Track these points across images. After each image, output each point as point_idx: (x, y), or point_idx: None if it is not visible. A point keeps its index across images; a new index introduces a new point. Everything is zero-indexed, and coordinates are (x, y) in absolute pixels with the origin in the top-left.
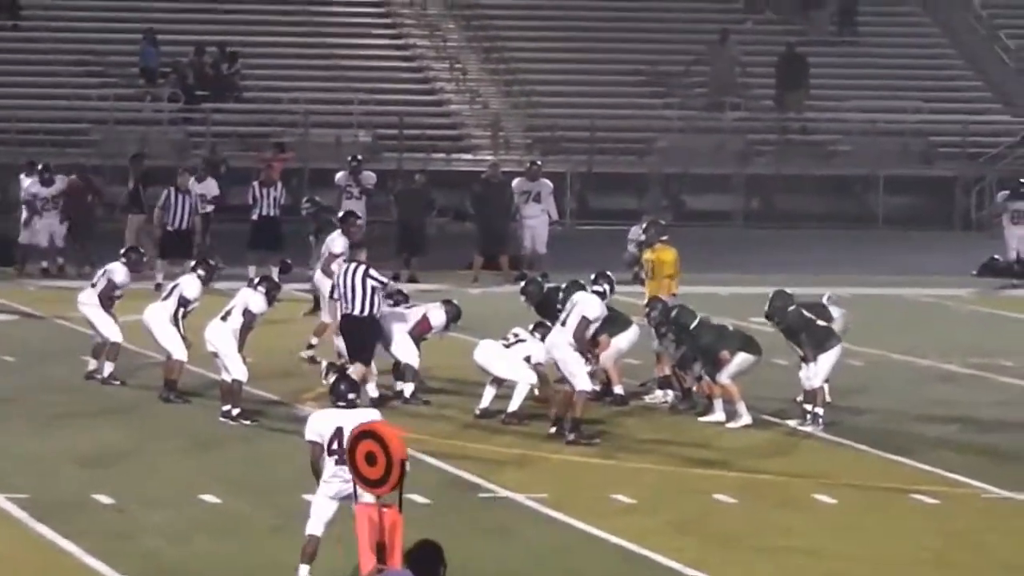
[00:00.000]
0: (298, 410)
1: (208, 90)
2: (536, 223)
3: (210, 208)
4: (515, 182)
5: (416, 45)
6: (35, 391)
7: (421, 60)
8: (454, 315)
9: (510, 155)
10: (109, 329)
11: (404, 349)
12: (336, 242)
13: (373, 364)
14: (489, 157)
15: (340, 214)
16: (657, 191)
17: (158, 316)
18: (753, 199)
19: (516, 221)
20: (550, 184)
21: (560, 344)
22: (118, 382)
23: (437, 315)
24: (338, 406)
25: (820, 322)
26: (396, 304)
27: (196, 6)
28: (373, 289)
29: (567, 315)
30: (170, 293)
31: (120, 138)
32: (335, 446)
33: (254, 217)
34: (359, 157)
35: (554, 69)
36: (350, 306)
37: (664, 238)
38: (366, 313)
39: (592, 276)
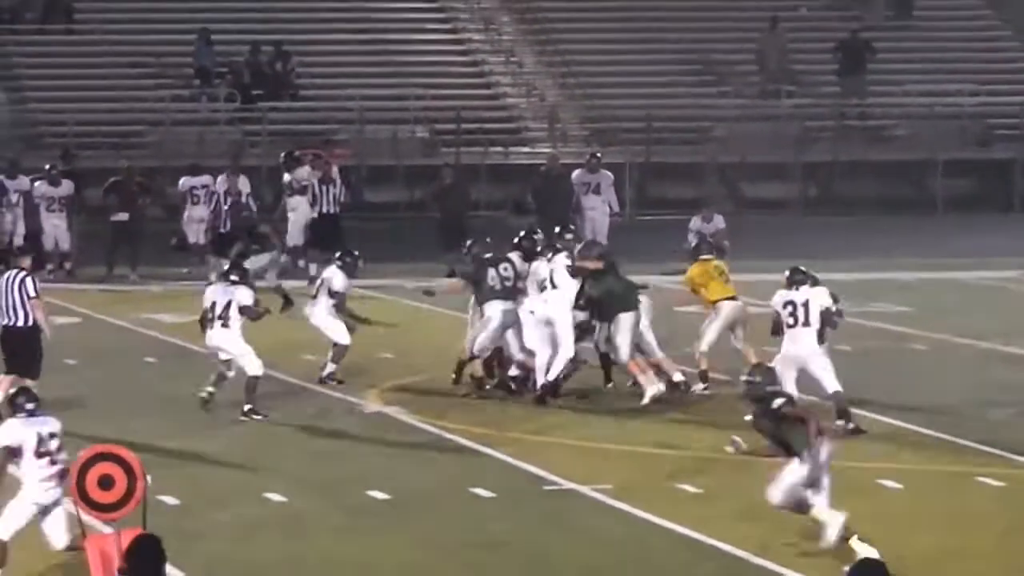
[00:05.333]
0: (363, 406)
1: (264, 89)
2: (596, 215)
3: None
4: (575, 174)
5: (471, 39)
6: (98, 393)
7: (476, 54)
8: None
9: (568, 147)
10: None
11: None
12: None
13: None
14: (547, 150)
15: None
16: (715, 180)
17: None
18: (811, 186)
19: (576, 213)
20: (611, 175)
21: (557, 308)
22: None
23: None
24: None
25: None
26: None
27: (250, 5)
28: (30, 298)
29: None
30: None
31: (177, 139)
32: None
33: (314, 215)
34: (295, 154)
35: (609, 60)
36: (10, 317)
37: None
38: (30, 323)
39: None
